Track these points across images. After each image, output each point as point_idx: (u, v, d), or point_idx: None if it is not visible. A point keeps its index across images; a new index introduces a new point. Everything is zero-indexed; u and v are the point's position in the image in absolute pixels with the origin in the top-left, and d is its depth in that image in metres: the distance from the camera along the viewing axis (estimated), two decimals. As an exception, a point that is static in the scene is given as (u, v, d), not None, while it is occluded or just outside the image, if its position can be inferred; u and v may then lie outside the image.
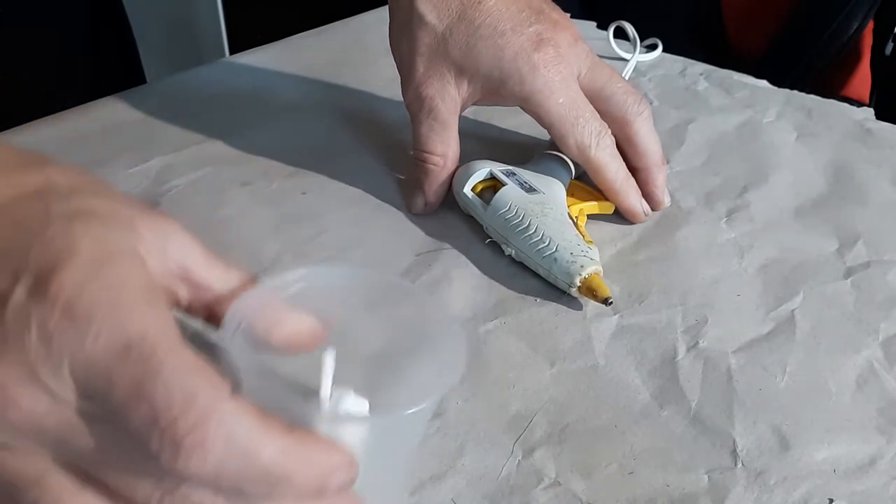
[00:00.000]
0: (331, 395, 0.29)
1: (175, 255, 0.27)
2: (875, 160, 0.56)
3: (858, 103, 1.05)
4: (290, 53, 0.71)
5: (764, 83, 0.66)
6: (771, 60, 1.03)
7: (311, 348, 0.29)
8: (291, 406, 0.26)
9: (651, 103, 0.64)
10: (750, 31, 1.08)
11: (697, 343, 0.41)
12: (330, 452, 0.25)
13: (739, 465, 0.35)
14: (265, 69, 0.68)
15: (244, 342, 0.28)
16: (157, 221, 0.27)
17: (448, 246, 0.47)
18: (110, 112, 0.60)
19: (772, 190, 0.53)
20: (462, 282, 0.45)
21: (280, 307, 0.29)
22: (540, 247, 0.44)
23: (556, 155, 0.51)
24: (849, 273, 0.46)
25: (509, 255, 0.45)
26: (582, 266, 0.42)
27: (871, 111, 0.62)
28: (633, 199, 0.49)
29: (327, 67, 0.68)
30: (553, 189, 0.48)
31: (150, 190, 0.51)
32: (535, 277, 0.45)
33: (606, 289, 0.42)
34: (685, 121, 0.61)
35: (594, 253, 0.44)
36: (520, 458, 0.35)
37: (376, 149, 0.57)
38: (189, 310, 0.28)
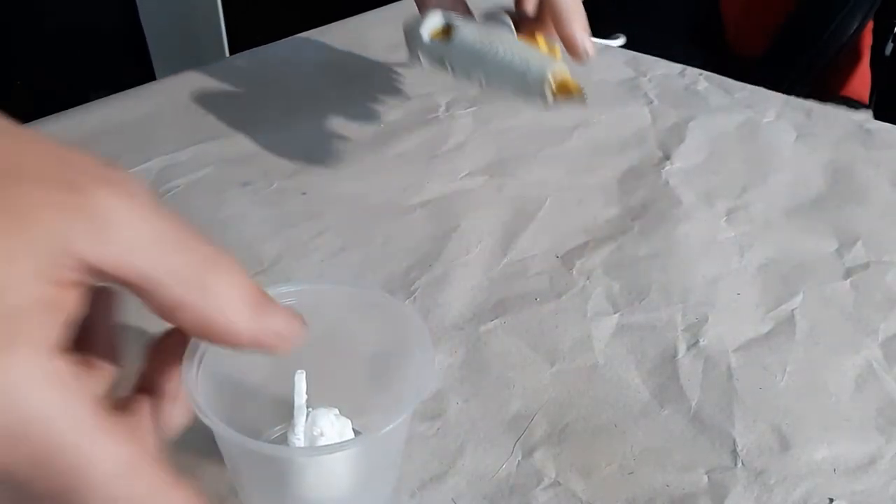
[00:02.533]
0: (307, 416, 0.30)
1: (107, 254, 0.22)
2: (874, 160, 0.56)
3: (858, 103, 1.05)
4: (291, 53, 0.71)
5: (761, 90, 0.66)
6: (771, 61, 1.03)
7: (292, 346, 0.26)
8: (267, 450, 0.27)
9: (651, 102, 0.64)
10: (750, 31, 1.08)
11: (698, 342, 0.41)
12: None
13: (739, 464, 0.35)
14: (265, 69, 0.68)
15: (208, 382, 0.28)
16: (82, 214, 0.21)
17: (448, 247, 0.48)
18: (110, 112, 0.60)
19: (771, 190, 0.53)
20: (462, 282, 0.45)
21: None
22: (513, 63, 0.45)
23: (493, 15, 0.51)
24: (848, 273, 0.46)
25: (479, 83, 0.46)
26: (553, 68, 0.44)
27: (870, 112, 0.62)
28: (578, 27, 0.46)
29: (327, 67, 0.68)
30: (504, 29, 0.49)
31: (151, 189, 0.51)
32: (535, 277, 0.45)
33: (578, 84, 0.44)
34: (685, 119, 0.61)
35: (561, 63, 0.45)
36: (520, 458, 0.35)
37: (376, 149, 0.57)
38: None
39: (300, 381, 0.30)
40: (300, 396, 0.30)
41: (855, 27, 1.01)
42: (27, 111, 0.58)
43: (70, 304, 0.21)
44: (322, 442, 0.29)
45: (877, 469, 0.35)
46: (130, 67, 0.73)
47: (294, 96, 0.63)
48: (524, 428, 0.36)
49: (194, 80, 0.65)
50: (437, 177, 0.54)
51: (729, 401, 0.38)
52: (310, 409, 0.30)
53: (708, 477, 0.34)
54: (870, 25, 1.04)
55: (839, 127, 0.60)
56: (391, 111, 0.62)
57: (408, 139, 0.58)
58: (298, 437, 0.30)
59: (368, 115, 0.61)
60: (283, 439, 0.32)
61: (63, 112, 0.59)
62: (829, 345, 0.41)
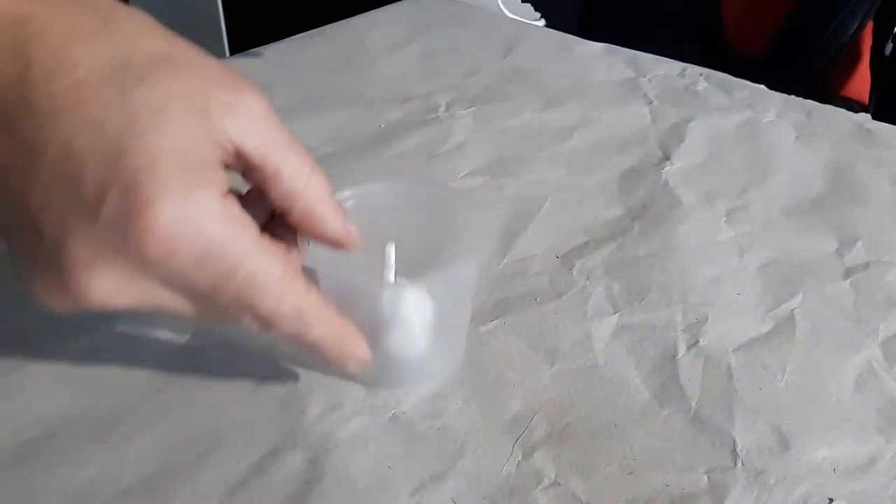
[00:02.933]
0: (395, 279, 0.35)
1: (257, 135, 0.28)
2: (874, 160, 0.56)
3: (858, 103, 1.05)
4: (290, 53, 0.71)
5: (762, 87, 0.66)
6: (771, 61, 1.03)
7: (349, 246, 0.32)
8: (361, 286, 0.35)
9: (651, 102, 0.64)
10: (750, 31, 1.08)
11: (697, 342, 0.41)
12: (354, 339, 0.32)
13: (739, 464, 0.35)
14: (265, 69, 0.68)
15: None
16: (237, 108, 0.28)
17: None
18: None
19: (771, 190, 0.53)
20: (462, 282, 0.45)
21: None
22: None
23: None
24: (848, 273, 0.46)
25: None
26: None
27: (869, 112, 0.62)
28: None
29: (327, 67, 0.68)
30: None
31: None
32: (535, 277, 0.45)
33: None
34: (685, 119, 0.61)
35: None
36: (519, 458, 0.35)
37: (376, 149, 0.57)
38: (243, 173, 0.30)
39: (391, 251, 0.35)
40: (390, 261, 0.35)
41: (855, 27, 1.01)
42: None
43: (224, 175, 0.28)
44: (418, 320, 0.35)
45: (877, 469, 0.35)
46: None
47: (294, 96, 0.63)
48: (524, 428, 0.36)
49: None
50: (437, 177, 0.54)
51: (729, 401, 0.38)
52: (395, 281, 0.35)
53: (708, 477, 0.34)
54: (870, 26, 1.04)
55: (839, 127, 0.60)
56: (391, 111, 0.62)
57: (408, 139, 0.58)
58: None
59: (368, 115, 0.61)
60: None
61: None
62: (829, 345, 0.41)
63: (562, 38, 0.77)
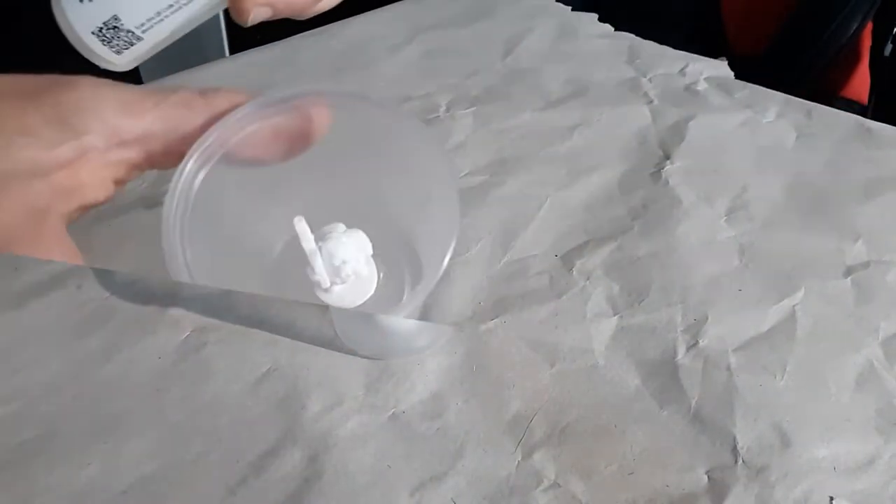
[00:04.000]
0: (321, 254, 0.29)
1: (91, 128, 0.24)
2: (874, 160, 0.56)
3: (858, 103, 1.05)
4: (290, 53, 0.71)
5: (762, 87, 0.66)
6: (771, 60, 1.03)
7: (305, 145, 0.27)
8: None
9: (651, 102, 0.64)
10: (750, 31, 1.08)
11: (697, 342, 0.41)
12: None
13: (740, 462, 0.35)
14: (265, 69, 0.68)
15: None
16: (54, 105, 0.23)
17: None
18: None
19: (772, 189, 0.53)
20: (461, 281, 0.45)
21: (252, 116, 0.26)
22: None
23: None
24: (849, 272, 0.46)
25: None
26: None
27: (869, 112, 0.62)
28: None
29: (327, 67, 0.68)
30: None
31: (149, 191, 0.51)
32: (535, 277, 0.45)
33: None
34: (685, 118, 0.61)
35: None
36: (519, 458, 0.35)
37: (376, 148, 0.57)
38: (154, 165, 0.26)
39: (302, 229, 0.28)
40: (308, 242, 0.28)
41: (855, 28, 1.01)
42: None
43: None
44: (347, 270, 0.28)
45: (877, 468, 0.35)
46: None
47: (294, 96, 0.63)
48: (524, 428, 0.36)
49: (194, 80, 0.65)
50: (437, 177, 0.54)
51: (729, 399, 0.38)
52: (320, 245, 0.28)
53: (708, 476, 0.34)
54: (869, 26, 1.04)
55: (839, 127, 0.60)
56: (391, 111, 0.62)
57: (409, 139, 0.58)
58: (322, 276, 0.28)
59: (368, 115, 0.61)
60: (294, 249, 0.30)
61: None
62: (829, 343, 0.41)
63: (563, 23, 0.77)
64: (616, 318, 0.42)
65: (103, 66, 0.33)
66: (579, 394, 0.38)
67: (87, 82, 0.25)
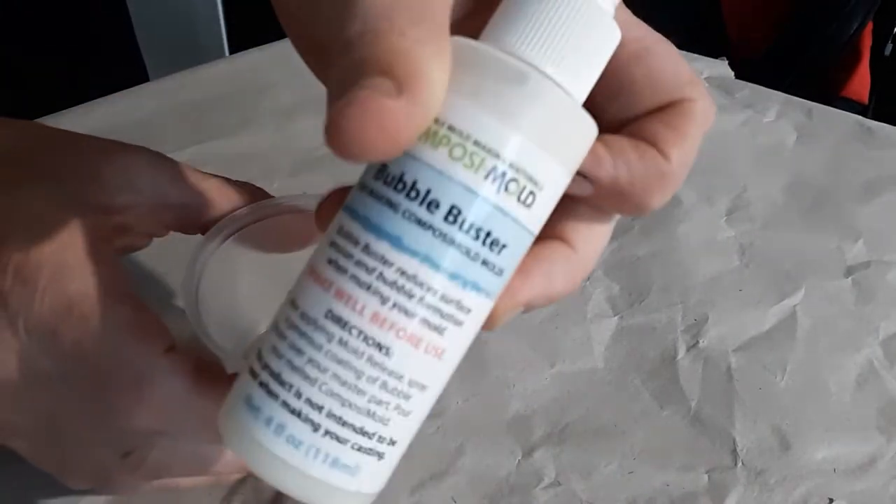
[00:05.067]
0: None
1: (146, 187, 0.28)
2: (875, 160, 0.56)
3: (858, 103, 1.05)
4: (291, 53, 0.71)
5: (762, 87, 0.66)
6: (771, 60, 1.03)
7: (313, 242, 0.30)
8: None
9: (651, 103, 0.64)
10: (750, 31, 1.08)
11: (697, 342, 0.41)
12: None
13: (739, 464, 0.35)
14: (265, 69, 0.68)
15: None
16: (122, 162, 0.28)
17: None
18: (110, 112, 0.60)
19: (772, 189, 0.53)
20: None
21: (273, 209, 0.31)
22: None
23: None
24: (849, 272, 0.46)
25: None
26: None
27: (869, 112, 0.62)
28: None
29: (327, 67, 0.68)
30: None
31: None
32: (535, 277, 0.45)
33: None
34: (685, 121, 0.61)
35: None
36: (519, 457, 0.35)
37: (376, 149, 0.57)
38: (183, 230, 0.30)
39: None
40: None
41: (855, 28, 1.01)
42: (26, 111, 0.58)
43: None
44: None
45: (877, 469, 0.35)
46: (120, 67, 0.73)
47: (294, 96, 0.63)
48: (524, 428, 0.36)
49: (194, 80, 0.65)
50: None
51: (729, 401, 0.38)
52: None
53: (708, 477, 0.34)
54: (870, 26, 1.04)
55: (840, 127, 0.60)
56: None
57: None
58: None
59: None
60: None
61: (63, 112, 0.59)
62: (829, 344, 0.41)
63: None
64: (616, 318, 0.42)
65: None
66: (579, 394, 0.38)
67: (148, 152, 0.30)
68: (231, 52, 0.79)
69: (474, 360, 0.39)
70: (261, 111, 0.61)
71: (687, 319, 0.42)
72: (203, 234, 0.31)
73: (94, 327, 0.24)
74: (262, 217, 0.31)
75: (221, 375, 0.26)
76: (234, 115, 0.60)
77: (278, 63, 0.69)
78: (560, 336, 0.41)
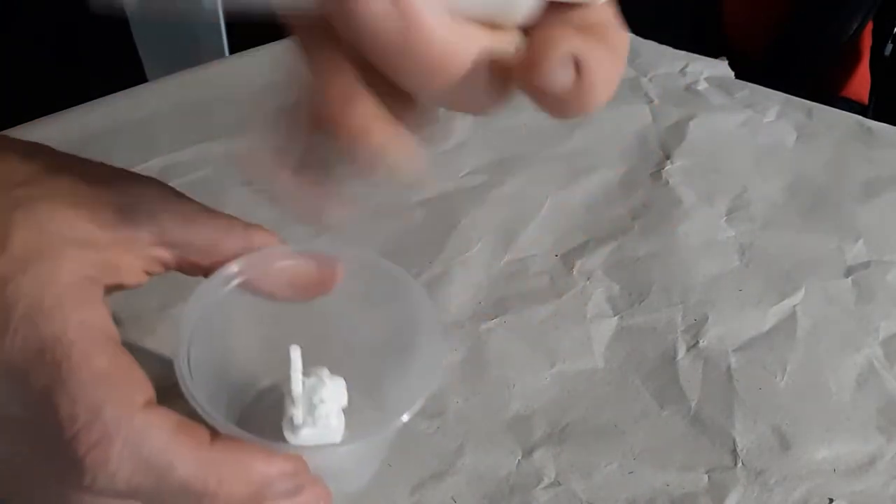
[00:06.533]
0: (303, 387, 0.29)
1: (145, 222, 0.26)
2: (875, 160, 0.56)
3: (858, 103, 1.05)
4: (291, 53, 0.71)
5: (762, 87, 0.66)
6: (771, 60, 1.03)
7: (318, 293, 0.29)
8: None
9: (652, 101, 0.64)
10: (750, 31, 1.08)
11: (697, 343, 0.41)
12: (266, 463, 0.24)
13: (739, 464, 0.35)
14: (265, 69, 0.68)
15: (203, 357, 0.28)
16: (123, 192, 0.26)
17: (448, 246, 0.47)
18: (110, 112, 0.60)
19: (772, 189, 0.53)
20: (462, 280, 0.45)
21: (280, 255, 0.29)
22: None
23: None
24: (849, 272, 0.46)
25: None
26: None
27: (869, 112, 0.62)
28: None
29: (327, 67, 0.68)
30: None
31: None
32: (536, 277, 0.45)
33: None
34: (685, 118, 0.61)
35: None
36: (519, 457, 0.35)
37: (376, 148, 0.57)
38: (182, 269, 0.28)
39: (296, 357, 0.29)
40: (296, 371, 0.29)
41: (855, 27, 1.01)
42: (26, 111, 0.58)
43: None
44: (322, 411, 0.29)
45: (877, 469, 0.35)
46: (120, 67, 0.73)
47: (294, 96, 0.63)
48: (524, 427, 0.36)
49: (194, 80, 0.65)
50: (438, 176, 0.54)
51: (729, 401, 0.38)
52: (306, 378, 0.29)
53: (708, 477, 0.34)
54: (870, 26, 1.04)
55: (839, 127, 0.60)
56: (391, 111, 0.62)
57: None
58: (298, 411, 0.29)
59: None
60: (276, 389, 0.31)
61: (63, 112, 0.59)
62: (829, 344, 0.41)
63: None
64: (616, 318, 0.42)
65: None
66: (579, 394, 0.38)
67: (153, 183, 0.28)
68: (231, 52, 0.79)
69: (474, 359, 0.39)
70: (261, 111, 0.61)
71: (687, 319, 0.42)
72: (205, 276, 0.29)
73: (64, 376, 0.21)
74: (267, 264, 0.30)
75: (205, 435, 0.23)
76: (234, 115, 0.60)
77: (278, 63, 0.69)
78: (560, 336, 0.41)
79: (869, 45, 1.06)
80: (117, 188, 0.26)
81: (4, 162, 0.26)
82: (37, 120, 0.58)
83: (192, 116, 0.60)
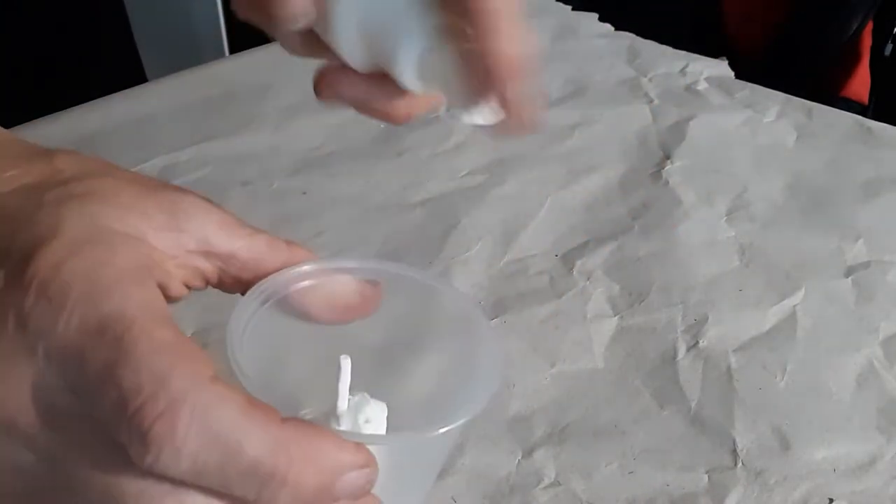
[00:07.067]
0: (348, 404, 0.27)
1: (192, 229, 0.26)
2: (875, 160, 0.56)
3: (858, 103, 1.05)
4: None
5: (762, 87, 0.66)
6: (771, 60, 1.03)
7: (359, 315, 0.28)
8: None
9: (652, 101, 0.64)
10: (750, 31, 1.08)
11: (697, 343, 0.41)
12: (339, 450, 0.22)
13: (739, 464, 0.35)
14: (265, 69, 0.68)
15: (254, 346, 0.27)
16: (168, 198, 0.26)
17: (448, 245, 0.47)
18: (110, 112, 0.60)
19: (772, 189, 0.53)
20: (462, 280, 0.45)
21: (321, 273, 0.28)
22: None
23: None
24: (849, 272, 0.46)
25: None
26: None
27: (869, 112, 0.62)
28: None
29: (327, 67, 0.68)
30: None
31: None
32: (536, 277, 0.45)
33: None
34: (685, 119, 0.61)
35: None
36: (520, 457, 0.35)
37: (376, 148, 0.57)
38: (221, 285, 0.27)
39: (346, 367, 0.27)
40: (344, 384, 0.27)
41: (855, 27, 1.01)
42: (26, 111, 0.58)
43: None
44: (369, 430, 0.27)
45: (877, 469, 0.35)
46: (120, 67, 0.73)
47: (294, 96, 0.63)
48: (524, 428, 0.36)
49: (194, 80, 0.65)
50: (438, 176, 0.54)
51: (729, 401, 0.38)
52: (351, 396, 0.28)
53: (708, 477, 0.34)
54: (870, 26, 1.04)
55: (839, 127, 0.60)
56: (391, 111, 0.62)
57: (408, 138, 0.58)
58: (341, 423, 0.27)
59: (368, 115, 0.61)
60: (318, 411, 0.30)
61: (63, 111, 0.59)
62: (829, 344, 0.41)
63: (563, 22, 0.77)
64: (616, 318, 0.42)
65: None
66: (579, 394, 0.38)
67: (199, 195, 0.28)
68: (231, 52, 0.79)
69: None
70: (261, 111, 0.61)
71: (687, 319, 0.42)
72: (242, 293, 0.28)
73: (127, 347, 0.21)
74: (307, 281, 0.29)
75: (276, 414, 0.22)
76: (234, 115, 0.60)
77: (278, 63, 0.69)
78: (560, 336, 0.41)
79: (869, 45, 1.06)
80: (161, 193, 0.26)
81: (51, 164, 0.26)
82: (37, 120, 0.58)
83: (191, 116, 0.60)
